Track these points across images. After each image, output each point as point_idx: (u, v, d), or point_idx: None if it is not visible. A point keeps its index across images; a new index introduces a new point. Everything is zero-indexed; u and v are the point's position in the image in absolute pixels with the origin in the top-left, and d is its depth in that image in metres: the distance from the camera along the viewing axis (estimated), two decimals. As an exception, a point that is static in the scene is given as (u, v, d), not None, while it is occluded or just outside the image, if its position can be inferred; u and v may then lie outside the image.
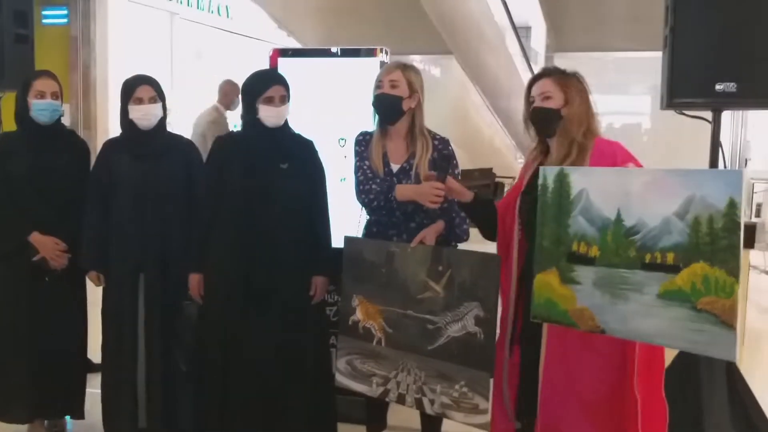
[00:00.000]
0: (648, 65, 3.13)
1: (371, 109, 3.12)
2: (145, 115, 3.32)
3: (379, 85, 3.05)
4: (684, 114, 3.45)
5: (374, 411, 3.26)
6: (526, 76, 8.29)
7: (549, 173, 2.36)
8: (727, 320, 1.98)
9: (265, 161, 3.11)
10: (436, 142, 3.07)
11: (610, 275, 2.21)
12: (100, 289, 3.48)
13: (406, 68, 3.08)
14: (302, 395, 3.14)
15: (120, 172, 3.36)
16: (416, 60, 9.03)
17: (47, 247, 3.39)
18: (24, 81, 3.45)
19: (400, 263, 2.91)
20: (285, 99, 3.12)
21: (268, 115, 3.08)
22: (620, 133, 14.94)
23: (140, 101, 3.32)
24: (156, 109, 3.35)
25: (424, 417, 3.15)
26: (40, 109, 3.40)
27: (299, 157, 3.17)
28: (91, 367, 3.86)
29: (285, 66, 3.94)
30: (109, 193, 3.36)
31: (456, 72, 8.90)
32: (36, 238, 3.37)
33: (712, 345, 2.01)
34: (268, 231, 3.08)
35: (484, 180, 5.87)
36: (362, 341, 3.00)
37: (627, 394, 2.43)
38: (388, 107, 3.04)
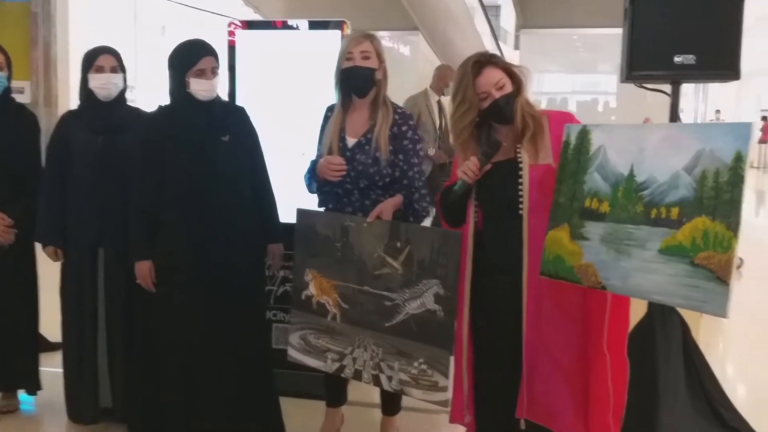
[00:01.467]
0: (615, 42, 3.13)
1: (334, 82, 3.03)
2: (105, 84, 3.25)
3: (349, 56, 2.95)
4: (644, 87, 3.47)
5: (333, 387, 3.26)
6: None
7: (572, 130, 2.39)
8: (722, 276, 1.99)
9: (206, 136, 3.02)
10: (397, 117, 3.00)
11: (617, 231, 2.24)
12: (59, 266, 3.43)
13: (373, 38, 3.02)
14: (248, 373, 3.12)
15: (78, 145, 3.29)
16: (384, 36, 8.97)
17: None
18: None
19: (355, 238, 2.86)
20: (216, 71, 3.02)
21: (200, 88, 2.97)
22: (586, 111, 15.00)
23: (101, 69, 3.25)
24: (116, 79, 3.28)
25: (384, 393, 3.14)
26: None
27: (238, 128, 3.11)
28: (48, 345, 3.83)
29: (246, 40, 3.89)
30: (67, 167, 3.30)
31: (424, 49, 8.87)
32: None
33: (706, 302, 2.03)
34: (218, 207, 3.00)
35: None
36: (316, 316, 2.96)
37: (596, 353, 2.47)
38: (361, 79, 2.96)
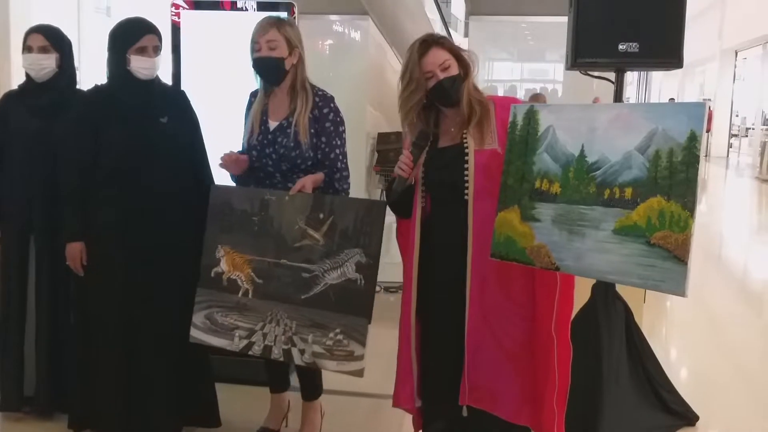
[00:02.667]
0: (563, 31, 3.14)
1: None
2: (31, 64, 3.18)
3: (255, 47, 2.90)
4: (589, 74, 3.51)
5: (272, 371, 3.23)
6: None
7: (519, 110, 2.37)
8: (679, 255, 2.01)
9: (143, 116, 2.96)
10: (317, 99, 2.97)
11: (569, 212, 2.24)
12: None
13: (281, 25, 2.94)
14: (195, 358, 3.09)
15: (14, 125, 3.21)
16: (334, 21, 8.89)
17: None
18: None
19: (275, 211, 2.82)
20: (158, 49, 2.97)
21: (141, 66, 2.91)
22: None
23: (30, 50, 3.18)
24: (44, 59, 3.19)
25: (302, 377, 3.16)
26: None
27: (177, 109, 3.06)
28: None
29: (190, 20, 3.82)
30: (3, 148, 3.21)
31: (374, 34, 8.80)
32: None
33: (663, 281, 2.04)
34: (155, 188, 2.95)
35: (399, 144, 5.84)
36: (226, 293, 2.88)
37: (544, 336, 2.49)
38: (269, 70, 2.93)
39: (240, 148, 3.05)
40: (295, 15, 3.70)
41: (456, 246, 2.53)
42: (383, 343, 4.30)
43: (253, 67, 2.94)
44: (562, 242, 2.25)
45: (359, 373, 2.68)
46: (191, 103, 3.14)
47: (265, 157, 2.96)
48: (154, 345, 3.01)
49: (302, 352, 2.74)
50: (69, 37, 3.31)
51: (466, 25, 13.55)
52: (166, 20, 3.68)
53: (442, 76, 2.51)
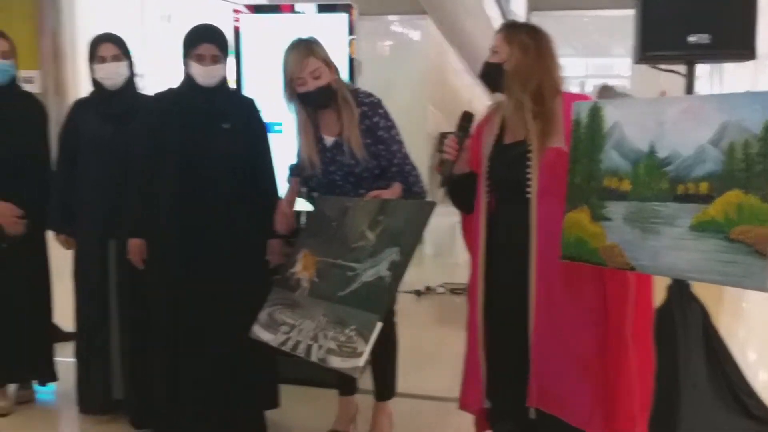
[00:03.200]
0: (629, 24, 3.04)
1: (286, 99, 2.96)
2: (108, 74, 3.24)
3: (298, 82, 2.87)
4: (657, 68, 3.39)
5: (341, 374, 3.19)
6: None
7: (582, 108, 2.29)
8: (761, 249, 1.90)
9: (205, 121, 2.99)
10: (366, 109, 2.95)
11: (642, 209, 2.15)
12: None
13: (314, 49, 2.91)
14: (248, 364, 3.08)
15: (87, 133, 3.27)
16: (393, 21, 8.88)
17: (3, 213, 3.32)
18: None
19: (351, 216, 2.84)
20: (218, 59, 2.99)
21: (197, 73, 2.96)
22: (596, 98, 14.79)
23: (103, 60, 3.23)
24: (120, 68, 3.25)
25: (376, 378, 3.15)
26: None
27: (241, 117, 3.07)
28: (62, 335, 3.82)
29: (251, 24, 3.85)
30: (78, 155, 3.28)
31: (434, 34, 8.77)
32: None
33: (745, 276, 1.93)
34: (210, 194, 2.98)
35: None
36: (289, 292, 2.91)
37: (618, 340, 2.40)
38: (322, 100, 2.92)
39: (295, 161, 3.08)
40: (354, 17, 3.68)
41: (519, 246, 2.46)
42: (450, 346, 4.26)
43: (303, 101, 2.92)
44: (636, 241, 2.16)
45: (354, 372, 2.57)
46: (259, 111, 3.15)
47: (331, 174, 2.99)
48: (200, 350, 3.03)
49: (320, 348, 2.68)
50: (134, 43, 3.38)
51: (528, 21, 13.38)
52: (228, 25, 3.71)
53: (487, 59, 2.51)
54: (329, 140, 2.98)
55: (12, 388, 3.62)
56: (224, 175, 3.00)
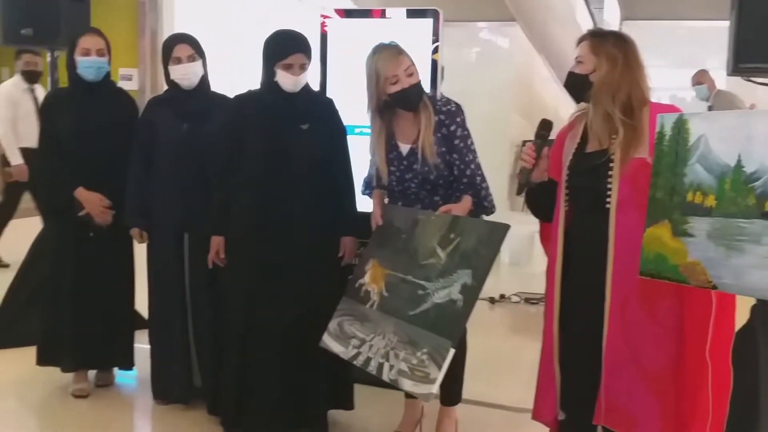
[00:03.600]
0: (723, 36, 2.94)
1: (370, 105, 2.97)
2: (184, 74, 3.33)
3: (392, 80, 2.88)
4: (751, 81, 3.29)
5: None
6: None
7: (667, 120, 2.23)
8: None
9: (285, 123, 3.05)
10: (443, 117, 2.94)
11: (726, 226, 2.08)
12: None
13: (401, 50, 2.94)
14: (322, 361, 3.10)
15: (163, 131, 3.37)
16: (482, 28, 8.84)
17: (92, 203, 3.45)
18: (72, 39, 3.52)
19: (420, 230, 2.84)
20: (305, 67, 3.04)
21: (285, 82, 3.01)
22: (693, 108, 14.34)
23: (179, 61, 3.32)
24: (195, 68, 3.34)
25: (443, 382, 3.12)
26: (86, 66, 3.45)
27: (319, 118, 3.11)
28: (144, 323, 3.96)
29: (337, 28, 3.91)
30: (153, 151, 3.38)
31: (522, 41, 8.68)
32: (81, 194, 3.44)
33: None
34: (288, 193, 3.04)
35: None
36: (358, 303, 2.93)
37: (696, 360, 2.34)
38: (416, 98, 2.92)
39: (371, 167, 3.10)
40: (440, 23, 3.69)
41: (596, 258, 2.43)
42: (522, 356, 4.23)
43: (397, 101, 2.92)
44: (719, 259, 2.09)
45: (427, 398, 2.60)
46: (337, 111, 3.19)
47: (406, 182, 3.01)
48: (275, 346, 3.09)
49: (391, 368, 2.70)
50: (229, 47, 3.45)
51: (620, 30, 13.09)
52: (314, 30, 3.77)
53: (571, 69, 2.49)
54: (405, 148, 2.99)
55: (92, 371, 3.76)
56: (302, 174, 3.06)
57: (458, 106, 3.04)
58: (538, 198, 2.60)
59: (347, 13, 4.02)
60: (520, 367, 4.13)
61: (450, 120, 2.95)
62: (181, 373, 3.46)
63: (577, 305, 2.52)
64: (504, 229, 2.61)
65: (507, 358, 4.38)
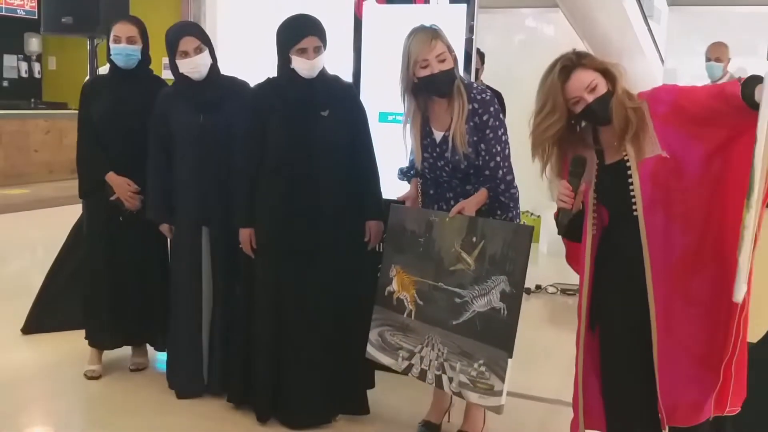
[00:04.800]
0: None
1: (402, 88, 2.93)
2: (194, 68, 3.31)
3: (423, 64, 2.83)
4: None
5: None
6: (642, 33, 7.84)
7: None
8: None
9: (305, 110, 3.03)
10: (476, 106, 2.88)
11: None
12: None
13: (439, 34, 2.88)
14: (350, 348, 3.13)
15: (178, 123, 3.35)
16: (527, 15, 8.69)
17: (121, 187, 3.51)
18: (95, 25, 3.55)
19: (437, 233, 2.81)
20: (320, 49, 3.00)
21: (301, 67, 2.99)
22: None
23: (186, 54, 3.29)
24: (203, 59, 3.31)
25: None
26: (116, 53, 3.50)
27: (340, 103, 3.09)
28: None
29: (373, 14, 3.86)
30: (170, 145, 3.38)
31: (566, 27, 8.54)
32: (111, 177, 3.50)
33: None
34: (311, 181, 3.03)
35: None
36: (394, 313, 2.93)
37: (728, 334, 2.31)
38: (445, 84, 2.87)
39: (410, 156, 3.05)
40: (476, 7, 3.61)
41: (632, 263, 2.39)
42: (559, 347, 4.16)
43: (425, 85, 2.88)
44: None
45: (498, 410, 2.62)
46: (357, 95, 3.18)
47: (438, 170, 2.96)
48: (303, 335, 3.11)
49: (450, 380, 2.74)
50: (270, 37, 3.42)
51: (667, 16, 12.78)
52: (348, 15, 3.73)
53: (590, 99, 2.36)
54: (438, 135, 2.95)
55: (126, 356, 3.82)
56: (324, 161, 3.05)
57: (495, 95, 2.99)
58: (574, 228, 2.53)
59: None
60: (555, 359, 4.07)
61: (483, 109, 2.89)
62: (191, 367, 3.49)
63: (615, 313, 2.47)
64: (528, 231, 2.61)
65: (542, 350, 4.32)
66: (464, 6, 3.67)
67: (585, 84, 2.36)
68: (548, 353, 4.30)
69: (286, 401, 3.16)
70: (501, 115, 2.93)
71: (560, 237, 2.67)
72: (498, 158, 2.89)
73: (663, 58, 7.86)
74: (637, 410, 2.45)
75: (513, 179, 2.93)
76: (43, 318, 4.30)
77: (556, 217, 2.51)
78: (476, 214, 2.82)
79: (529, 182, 3.93)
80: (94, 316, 3.70)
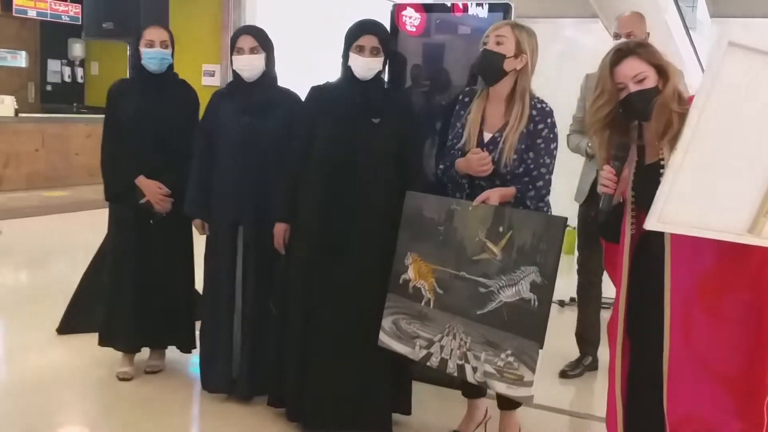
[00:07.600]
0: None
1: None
2: (245, 65, 3.34)
3: (485, 41, 2.85)
4: None
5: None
6: (684, 45, 7.74)
7: None
8: None
9: (357, 115, 3.02)
10: (534, 113, 2.84)
11: None
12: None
13: (516, 26, 2.87)
14: (385, 360, 3.08)
15: (224, 123, 3.39)
16: (566, 25, 8.64)
17: (152, 190, 3.54)
18: (137, 31, 3.60)
19: (459, 222, 2.76)
20: (378, 51, 3.00)
21: (356, 64, 2.99)
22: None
23: (241, 51, 3.34)
24: (257, 60, 3.34)
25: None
26: (149, 57, 3.54)
27: (393, 113, 3.07)
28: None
29: (411, 23, 3.86)
30: (214, 144, 3.41)
31: (605, 38, 8.46)
32: (141, 181, 3.53)
33: None
34: (355, 186, 3.01)
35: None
36: (411, 301, 2.88)
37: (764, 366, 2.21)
38: (488, 64, 2.83)
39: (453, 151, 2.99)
40: (511, 17, 3.59)
41: (656, 268, 2.32)
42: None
43: (476, 61, 2.90)
44: None
45: (528, 400, 2.58)
46: (412, 105, 3.17)
47: (454, 176, 2.93)
48: (336, 339, 3.08)
49: (474, 369, 2.68)
50: (312, 43, 3.44)
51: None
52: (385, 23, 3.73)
53: (634, 89, 2.31)
54: (487, 135, 2.91)
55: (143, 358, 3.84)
56: (368, 167, 3.04)
57: (551, 108, 2.94)
58: (612, 221, 2.47)
59: (427, 8, 3.94)
60: (589, 373, 4.01)
61: (541, 118, 2.86)
62: (223, 364, 3.49)
63: (642, 317, 2.41)
64: (561, 222, 2.56)
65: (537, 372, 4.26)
66: (501, 15, 3.64)
67: (633, 73, 2.31)
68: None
69: (312, 405, 3.14)
70: (556, 130, 2.89)
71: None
72: (543, 170, 2.84)
73: (705, 70, 7.72)
74: (653, 425, 2.36)
75: (547, 194, 2.88)
76: (77, 318, 4.35)
77: (594, 215, 2.46)
78: None
79: (567, 195, 3.90)
80: (117, 317, 3.72)
